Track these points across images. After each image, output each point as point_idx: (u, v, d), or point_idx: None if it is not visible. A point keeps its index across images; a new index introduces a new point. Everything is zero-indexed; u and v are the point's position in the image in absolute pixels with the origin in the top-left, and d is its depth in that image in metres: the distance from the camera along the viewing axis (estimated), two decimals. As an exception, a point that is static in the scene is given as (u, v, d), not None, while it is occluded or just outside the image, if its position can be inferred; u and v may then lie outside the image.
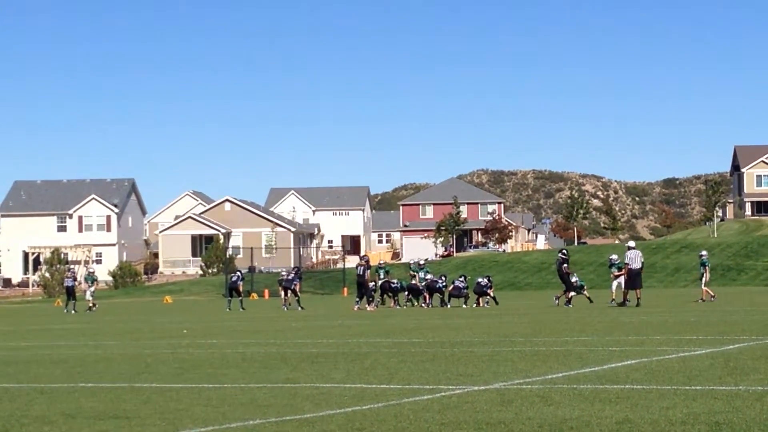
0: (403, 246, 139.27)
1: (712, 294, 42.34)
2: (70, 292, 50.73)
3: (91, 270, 54.51)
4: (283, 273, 48.04)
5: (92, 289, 51.64)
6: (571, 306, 38.42)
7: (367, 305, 42.10)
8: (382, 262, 50.40)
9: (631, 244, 38.80)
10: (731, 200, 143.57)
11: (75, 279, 52.77)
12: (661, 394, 10.95)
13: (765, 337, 19.15)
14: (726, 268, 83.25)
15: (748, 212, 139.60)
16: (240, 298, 47.29)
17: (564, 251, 41.89)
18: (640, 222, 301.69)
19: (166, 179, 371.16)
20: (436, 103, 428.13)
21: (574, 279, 40.88)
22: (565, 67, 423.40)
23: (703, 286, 42.63)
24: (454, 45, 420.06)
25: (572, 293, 39.68)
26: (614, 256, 41.85)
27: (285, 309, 44.18)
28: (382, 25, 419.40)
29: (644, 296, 38.50)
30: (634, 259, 36.72)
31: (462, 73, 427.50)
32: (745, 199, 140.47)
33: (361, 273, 42.16)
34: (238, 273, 49.01)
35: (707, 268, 42.69)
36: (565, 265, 39.74)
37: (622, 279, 39.98)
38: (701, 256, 43.50)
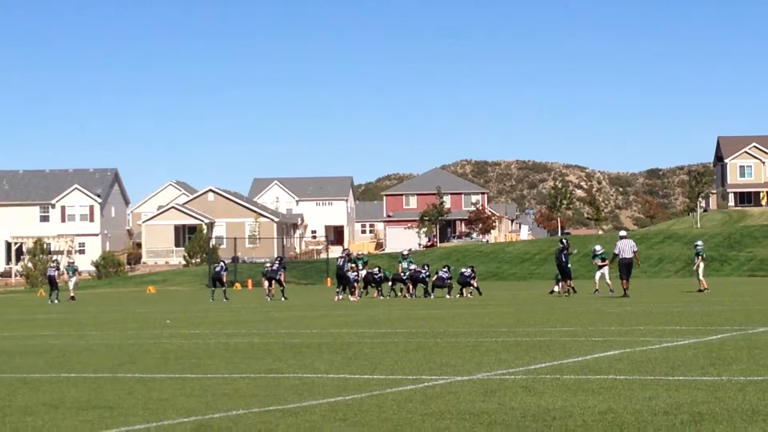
0: (387, 236, 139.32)
1: (701, 287, 41.71)
2: (52, 282, 50.61)
3: (71, 261, 54.33)
4: (267, 264, 48.01)
5: (74, 279, 51.44)
6: (560, 294, 38.41)
7: (350, 296, 42.24)
8: (360, 252, 50.53)
9: (623, 233, 38.56)
10: (714, 191, 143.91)
11: (58, 269, 52.67)
12: (644, 384, 10.97)
13: (748, 327, 19.21)
14: (709, 259, 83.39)
15: (731, 203, 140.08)
16: (223, 288, 47.25)
17: (564, 240, 41.91)
18: (624, 212, 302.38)
19: (149, 169, 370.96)
20: (420, 94, 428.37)
21: None
22: (549, 57, 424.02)
23: (700, 276, 41.94)
24: (438, 37, 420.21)
25: (557, 285, 39.67)
26: (598, 247, 41.66)
27: (268, 299, 44.21)
28: (366, 17, 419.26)
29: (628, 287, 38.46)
30: (624, 249, 36.56)
31: (445, 64, 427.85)
32: (728, 190, 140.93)
33: (341, 264, 42.43)
34: (222, 263, 48.96)
35: (701, 257, 42.16)
36: (566, 251, 39.70)
37: (605, 269, 39.94)
38: (696, 245, 42.99)
